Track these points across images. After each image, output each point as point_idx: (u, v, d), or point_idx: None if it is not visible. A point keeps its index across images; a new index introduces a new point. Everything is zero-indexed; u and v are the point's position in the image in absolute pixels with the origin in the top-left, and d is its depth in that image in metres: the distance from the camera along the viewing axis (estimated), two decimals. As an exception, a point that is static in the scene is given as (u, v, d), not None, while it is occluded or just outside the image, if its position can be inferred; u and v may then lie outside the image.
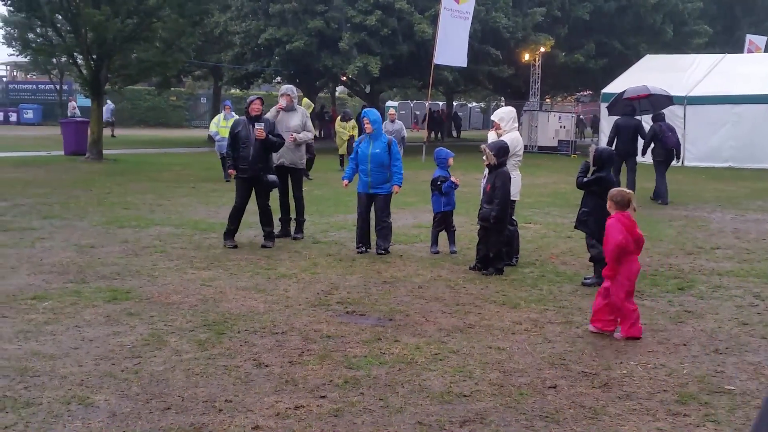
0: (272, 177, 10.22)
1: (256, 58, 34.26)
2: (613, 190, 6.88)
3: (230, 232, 10.30)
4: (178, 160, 25.28)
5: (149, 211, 13.48)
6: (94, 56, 24.33)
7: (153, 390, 5.12)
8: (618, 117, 16.77)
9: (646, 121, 17.22)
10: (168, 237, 10.91)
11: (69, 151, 25.57)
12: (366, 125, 10.00)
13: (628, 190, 6.91)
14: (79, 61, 25.79)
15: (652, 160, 16.46)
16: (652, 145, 16.30)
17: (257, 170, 10.09)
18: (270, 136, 10.08)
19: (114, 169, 21.64)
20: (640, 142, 16.44)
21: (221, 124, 18.81)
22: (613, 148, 15.51)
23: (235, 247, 10.13)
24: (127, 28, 23.51)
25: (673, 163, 16.97)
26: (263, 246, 10.26)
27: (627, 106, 16.77)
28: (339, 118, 23.18)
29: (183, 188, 17.10)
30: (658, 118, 16.64)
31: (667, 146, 16.20)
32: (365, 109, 10.66)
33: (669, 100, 17.78)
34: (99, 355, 5.78)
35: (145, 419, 4.65)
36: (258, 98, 10.46)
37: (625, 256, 6.55)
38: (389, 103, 59.23)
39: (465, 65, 28.47)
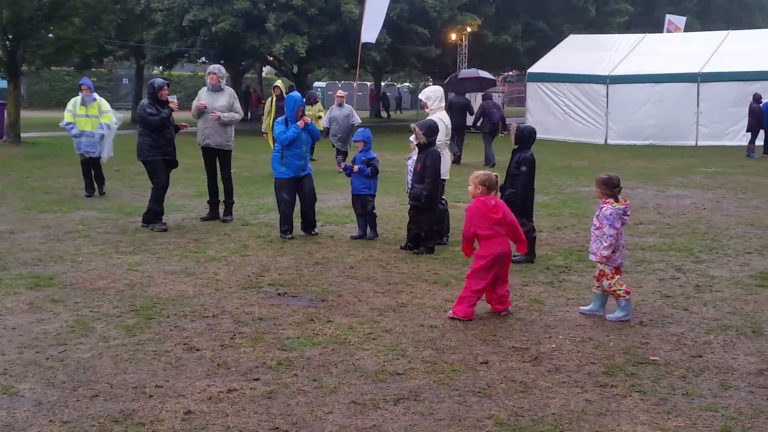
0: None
1: (180, 38, 33.48)
2: (481, 174, 6.53)
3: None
4: (101, 143, 24.56)
5: (71, 195, 13.10)
6: (10, 36, 23.43)
7: (80, 377, 4.99)
8: (451, 95, 20.21)
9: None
10: (92, 221, 10.64)
11: (-16, 135, 24.66)
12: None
13: (494, 173, 6.62)
14: (-6, 41, 24.81)
15: (480, 132, 20.09)
16: (481, 119, 19.80)
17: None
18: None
19: (33, 152, 20.96)
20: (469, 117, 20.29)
21: (78, 111, 12.90)
22: None
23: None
24: (45, 6, 22.67)
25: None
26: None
27: (459, 85, 20.59)
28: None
29: (106, 171, 16.60)
30: (487, 98, 20.26)
31: (492, 120, 19.81)
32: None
33: (493, 82, 22.11)
34: (22, 344, 5.61)
35: (73, 407, 4.54)
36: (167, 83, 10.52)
37: (484, 240, 6.45)
38: (316, 83, 58.73)
39: (373, 41, 28.24)
